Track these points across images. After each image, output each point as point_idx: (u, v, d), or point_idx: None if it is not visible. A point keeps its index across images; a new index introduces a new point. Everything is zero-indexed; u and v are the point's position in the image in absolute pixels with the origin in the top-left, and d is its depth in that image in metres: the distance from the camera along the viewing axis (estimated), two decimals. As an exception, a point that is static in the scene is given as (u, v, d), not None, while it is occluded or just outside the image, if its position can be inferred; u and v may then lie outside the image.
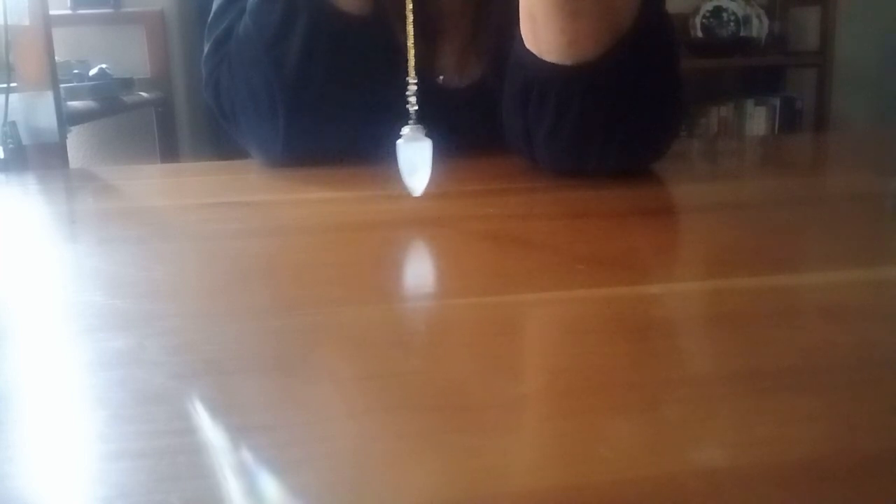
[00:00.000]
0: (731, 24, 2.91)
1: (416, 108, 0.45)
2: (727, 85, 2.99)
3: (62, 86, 1.11)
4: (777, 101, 2.92)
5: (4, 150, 1.02)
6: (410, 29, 0.44)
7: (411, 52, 0.44)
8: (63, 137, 1.04)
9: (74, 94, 1.69)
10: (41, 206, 0.59)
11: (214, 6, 0.67)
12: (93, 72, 1.92)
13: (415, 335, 0.30)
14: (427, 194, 0.52)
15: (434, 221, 0.46)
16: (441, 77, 0.70)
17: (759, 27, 2.91)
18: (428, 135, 0.45)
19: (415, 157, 0.45)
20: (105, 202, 0.58)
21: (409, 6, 0.44)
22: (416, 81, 0.44)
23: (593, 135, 0.54)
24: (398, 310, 0.32)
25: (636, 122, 0.54)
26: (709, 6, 2.91)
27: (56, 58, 1.08)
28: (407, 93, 0.45)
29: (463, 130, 0.69)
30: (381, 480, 0.20)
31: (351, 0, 0.59)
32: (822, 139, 1.25)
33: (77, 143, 2.11)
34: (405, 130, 0.45)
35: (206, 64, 0.66)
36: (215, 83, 0.65)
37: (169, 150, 2.25)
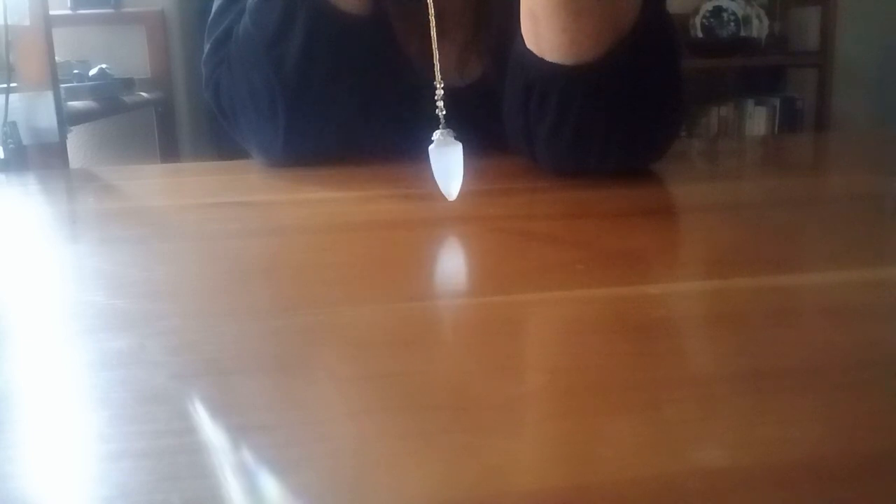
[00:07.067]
0: (731, 24, 2.91)
1: (444, 112, 0.44)
2: (727, 85, 2.99)
3: (62, 86, 1.11)
4: (777, 101, 2.91)
5: (4, 150, 1.02)
6: (434, 34, 0.44)
7: (436, 57, 0.44)
8: (63, 137, 1.04)
9: (74, 94, 1.69)
10: (41, 206, 0.59)
11: (214, 6, 0.67)
12: (93, 72, 1.92)
13: (415, 335, 0.30)
14: (427, 194, 0.52)
15: (434, 222, 0.46)
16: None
17: (759, 27, 2.91)
18: (457, 138, 0.45)
19: (448, 160, 0.45)
20: (105, 202, 0.58)
21: (431, 10, 0.44)
22: (443, 86, 0.44)
23: (594, 134, 0.54)
24: (398, 310, 0.32)
25: (637, 122, 0.54)
26: (709, 6, 2.91)
27: (56, 58, 1.08)
28: (435, 97, 0.44)
29: (463, 130, 0.69)
30: (382, 480, 0.20)
31: (351, 0, 0.59)
32: (822, 139, 1.25)
33: (77, 143, 2.11)
34: (436, 135, 0.45)
35: (206, 64, 0.66)
36: (215, 83, 0.65)
37: (169, 150, 2.25)
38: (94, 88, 1.82)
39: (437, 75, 0.44)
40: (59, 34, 1.15)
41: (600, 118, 0.53)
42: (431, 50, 0.69)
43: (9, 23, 1.04)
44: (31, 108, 1.02)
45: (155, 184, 0.69)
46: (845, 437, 0.21)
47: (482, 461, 0.20)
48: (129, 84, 2.07)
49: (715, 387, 0.24)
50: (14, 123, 1.02)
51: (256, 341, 0.29)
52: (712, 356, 0.27)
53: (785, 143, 0.98)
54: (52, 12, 1.10)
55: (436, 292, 0.35)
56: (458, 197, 0.47)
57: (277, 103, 0.60)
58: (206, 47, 0.66)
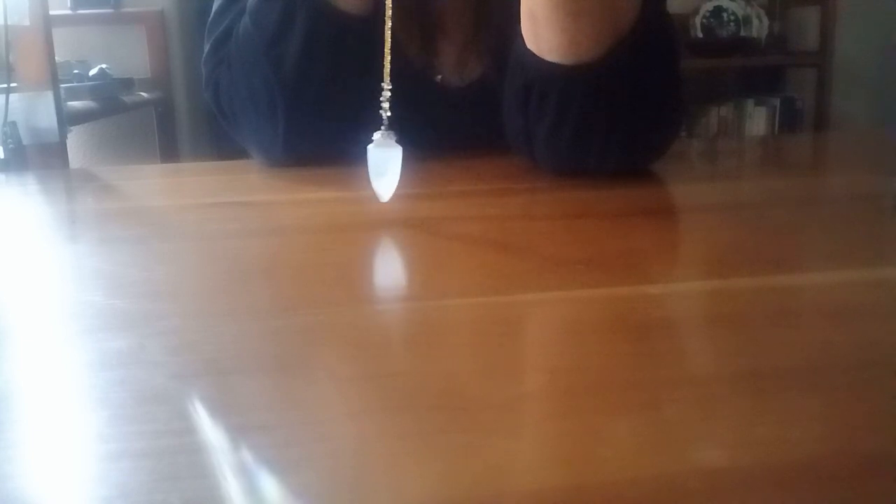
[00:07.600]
0: (731, 24, 2.91)
1: (389, 114, 0.45)
2: (727, 85, 2.99)
3: (62, 86, 1.11)
4: (777, 101, 2.91)
5: (4, 150, 1.02)
6: (388, 34, 0.45)
7: (387, 59, 0.45)
8: (63, 137, 1.04)
9: (74, 94, 1.69)
10: (41, 206, 0.59)
11: (214, 6, 0.67)
12: (93, 72, 1.92)
13: (415, 335, 0.30)
14: (427, 194, 0.52)
15: (434, 221, 0.46)
16: (440, 76, 0.70)
17: (759, 27, 2.91)
18: (399, 141, 0.45)
19: (384, 161, 0.45)
20: (105, 202, 0.58)
21: (388, 13, 0.44)
22: (390, 87, 0.45)
23: (593, 135, 0.54)
24: (398, 310, 0.32)
25: (636, 122, 0.54)
26: (709, 6, 2.91)
27: (56, 58, 1.08)
28: (380, 98, 0.45)
29: (463, 130, 0.69)
30: (381, 480, 0.20)
31: (351, 0, 0.59)
32: (822, 139, 1.25)
33: (77, 143, 2.11)
34: (376, 136, 0.45)
35: (205, 64, 0.66)
36: (215, 83, 0.65)
37: (169, 150, 2.25)
38: (93, 88, 1.82)
39: (386, 77, 0.44)
40: (58, 34, 1.15)
41: (600, 118, 0.53)
42: (432, 49, 0.70)
43: (9, 23, 1.04)
44: (31, 108, 1.03)
45: (154, 184, 0.69)
46: (845, 437, 0.21)
47: (482, 461, 0.20)
48: (128, 84, 2.07)
49: (715, 387, 0.24)
50: (14, 123, 1.02)
51: (256, 341, 0.29)
52: (712, 356, 0.27)
53: (785, 143, 0.98)
54: (52, 12, 1.10)
55: (436, 292, 0.35)
56: (459, 197, 0.47)
57: (277, 103, 0.60)
58: (206, 47, 0.66)
